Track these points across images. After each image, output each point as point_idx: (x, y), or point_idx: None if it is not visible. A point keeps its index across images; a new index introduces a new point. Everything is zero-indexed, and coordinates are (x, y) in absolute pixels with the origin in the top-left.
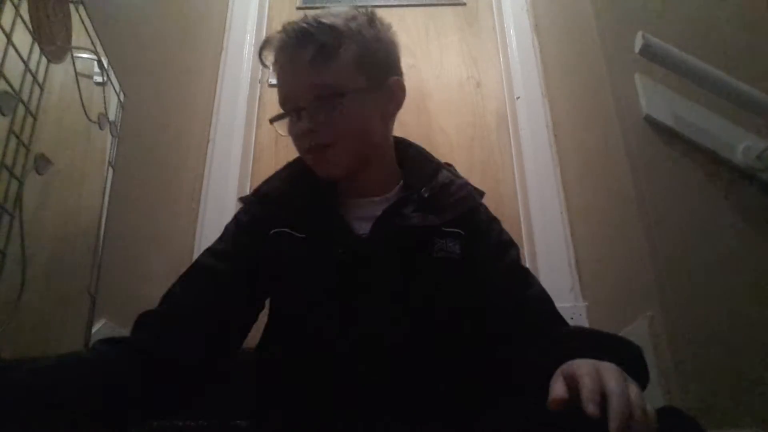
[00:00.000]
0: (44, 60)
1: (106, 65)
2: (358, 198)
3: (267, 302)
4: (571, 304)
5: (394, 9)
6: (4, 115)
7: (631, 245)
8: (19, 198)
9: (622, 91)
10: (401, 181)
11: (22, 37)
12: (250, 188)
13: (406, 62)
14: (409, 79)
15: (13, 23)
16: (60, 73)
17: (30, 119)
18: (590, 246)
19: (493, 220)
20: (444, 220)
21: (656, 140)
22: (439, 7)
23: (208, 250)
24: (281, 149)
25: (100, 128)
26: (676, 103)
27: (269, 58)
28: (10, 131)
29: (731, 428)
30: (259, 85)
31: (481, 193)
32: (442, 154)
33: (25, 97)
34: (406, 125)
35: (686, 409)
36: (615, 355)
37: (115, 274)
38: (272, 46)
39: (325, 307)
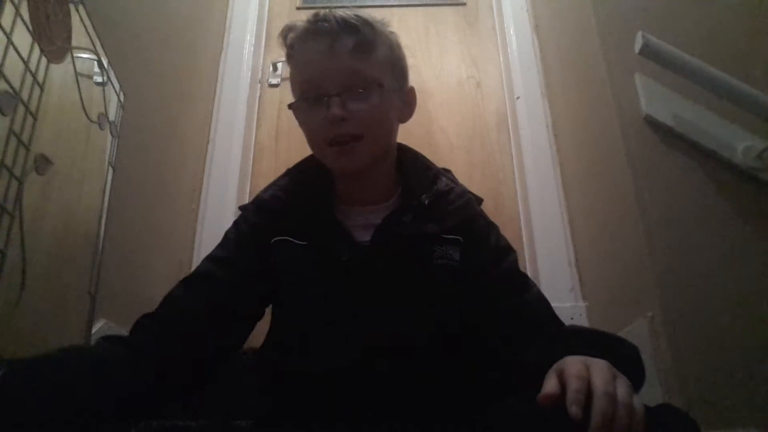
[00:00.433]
0: (44, 60)
1: (106, 65)
2: (357, 206)
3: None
4: (571, 304)
5: (394, 9)
6: (4, 115)
7: (631, 245)
8: (19, 198)
9: (622, 91)
10: (400, 189)
11: (22, 37)
12: (251, 189)
13: None
14: (410, 79)
15: (13, 23)
16: (60, 73)
17: (30, 119)
18: (590, 246)
19: (491, 226)
20: (443, 227)
21: (656, 140)
22: (439, 7)
23: (209, 256)
24: (281, 149)
25: (100, 128)
26: (676, 103)
27: (297, 42)
28: (10, 131)
29: (731, 428)
30: (259, 85)
31: (480, 200)
32: (442, 154)
33: (25, 97)
34: (406, 125)
35: (686, 409)
36: (610, 354)
37: (115, 274)
38: (305, 30)
39: (327, 315)
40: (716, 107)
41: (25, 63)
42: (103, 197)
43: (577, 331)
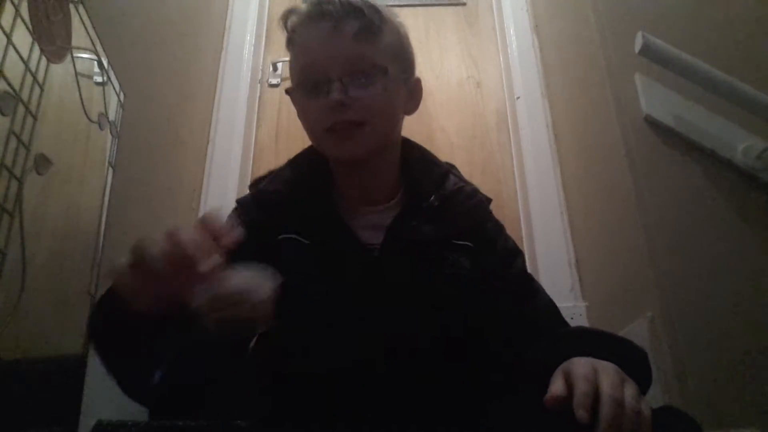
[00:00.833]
0: (44, 60)
1: (106, 65)
2: (362, 205)
3: None
4: (571, 304)
5: (394, 9)
6: (4, 115)
7: (631, 245)
8: (19, 198)
9: (622, 91)
10: (404, 187)
11: (22, 37)
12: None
13: None
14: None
15: (13, 23)
16: (60, 73)
17: (30, 119)
18: (590, 246)
19: (500, 228)
20: (454, 232)
21: (656, 140)
22: (439, 7)
23: None
24: (281, 149)
25: (100, 128)
26: (676, 103)
27: (299, 25)
28: (10, 131)
29: (731, 428)
30: (259, 85)
31: (488, 200)
32: (442, 154)
33: (25, 97)
34: (405, 125)
35: (686, 409)
36: (618, 356)
37: None
38: (308, 13)
39: (330, 316)
40: (716, 107)
41: (25, 63)
42: (103, 197)
43: (584, 332)
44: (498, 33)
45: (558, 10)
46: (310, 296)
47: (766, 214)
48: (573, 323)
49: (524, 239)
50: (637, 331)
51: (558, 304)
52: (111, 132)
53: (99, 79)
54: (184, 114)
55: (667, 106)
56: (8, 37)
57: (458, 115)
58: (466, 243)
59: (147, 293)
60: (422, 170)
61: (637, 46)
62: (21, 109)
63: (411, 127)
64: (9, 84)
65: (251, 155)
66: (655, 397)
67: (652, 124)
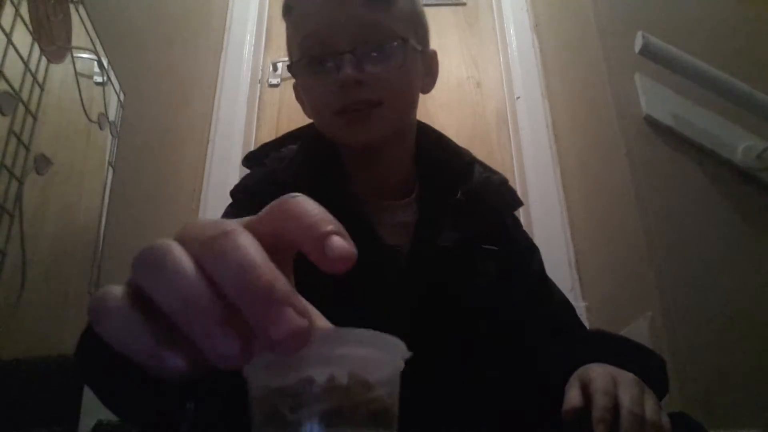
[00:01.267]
0: (44, 60)
1: (106, 65)
2: (378, 199)
3: None
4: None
5: None
6: (4, 115)
7: (631, 245)
8: (19, 198)
9: (622, 91)
10: (420, 178)
11: (22, 37)
12: None
13: None
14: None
15: (13, 23)
16: (60, 73)
17: (30, 119)
18: (590, 246)
19: (518, 223)
20: (483, 230)
21: (656, 140)
22: (439, 7)
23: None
24: None
25: (100, 128)
26: (676, 103)
27: None
28: (10, 131)
29: (731, 428)
30: (259, 85)
31: (515, 191)
32: None
33: (25, 97)
34: None
35: (686, 409)
36: (636, 365)
37: (115, 274)
38: None
39: (340, 317)
40: (716, 107)
41: (25, 63)
42: (103, 197)
43: (602, 337)
44: (498, 33)
45: (558, 10)
46: (317, 295)
47: (766, 214)
48: None
49: None
50: (637, 331)
51: None
52: (111, 132)
53: (99, 79)
54: (184, 114)
55: (667, 106)
56: (8, 37)
57: (458, 115)
58: (492, 247)
59: None
60: (442, 159)
61: (637, 46)
62: (21, 109)
63: None
64: (9, 84)
65: None
66: None
67: (652, 124)
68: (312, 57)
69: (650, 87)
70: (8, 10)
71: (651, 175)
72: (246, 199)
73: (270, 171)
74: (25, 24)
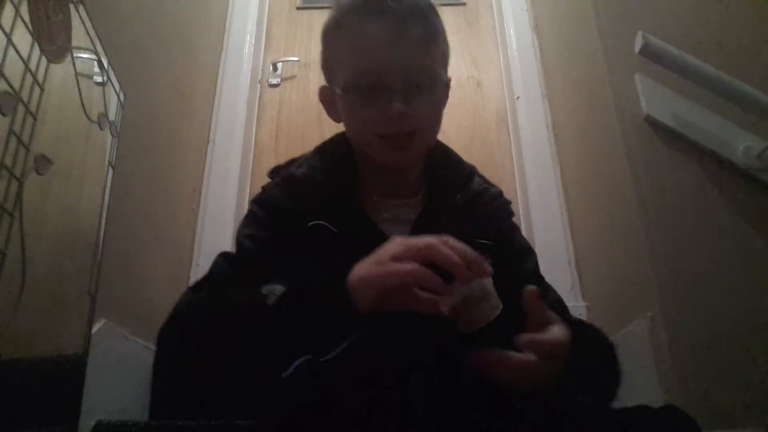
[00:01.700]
0: (44, 60)
1: (106, 65)
2: (386, 199)
3: None
4: (571, 304)
5: None
6: (4, 115)
7: (631, 245)
8: (19, 198)
9: (622, 91)
10: (426, 184)
11: (22, 37)
12: (251, 189)
13: None
14: None
15: (13, 23)
16: (60, 73)
17: (30, 119)
18: (590, 246)
19: (516, 227)
20: (477, 230)
21: (656, 140)
22: (439, 8)
23: (247, 235)
24: (281, 149)
25: (100, 128)
26: (676, 103)
27: (353, 14)
28: (10, 131)
29: (731, 428)
30: (259, 85)
31: (509, 202)
32: None
33: (25, 97)
34: None
35: (686, 409)
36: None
37: (115, 274)
38: (365, 4)
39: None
40: (716, 107)
41: (25, 63)
42: (103, 197)
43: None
44: (498, 33)
45: (558, 10)
46: None
47: (766, 214)
48: None
49: None
50: (637, 331)
51: None
52: (111, 132)
53: (99, 79)
54: (184, 114)
55: (667, 106)
56: (8, 37)
57: (458, 115)
58: (487, 242)
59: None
60: (446, 168)
61: (637, 46)
62: (21, 109)
63: None
64: (9, 84)
65: (251, 155)
66: (655, 396)
67: (652, 124)
68: (364, 88)
69: (650, 87)
70: (8, 10)
71: (651, 175)
72: (259, 212)
73: (288, 173)
74: (25, 24)
